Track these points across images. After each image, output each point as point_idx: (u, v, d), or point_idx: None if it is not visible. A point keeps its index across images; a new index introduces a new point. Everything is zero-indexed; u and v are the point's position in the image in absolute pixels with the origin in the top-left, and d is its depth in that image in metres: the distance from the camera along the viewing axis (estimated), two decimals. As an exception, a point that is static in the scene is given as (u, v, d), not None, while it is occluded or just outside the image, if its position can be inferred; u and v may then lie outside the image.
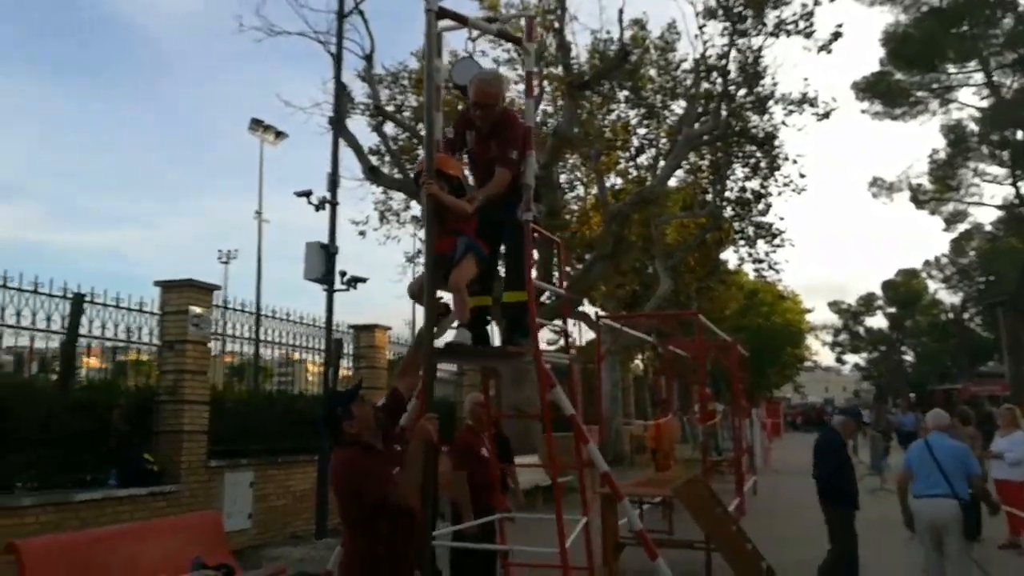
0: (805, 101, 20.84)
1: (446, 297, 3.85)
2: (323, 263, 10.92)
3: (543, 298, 18.64)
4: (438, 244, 3.78)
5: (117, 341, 8.59)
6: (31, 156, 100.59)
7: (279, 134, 28.01)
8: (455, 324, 3.87)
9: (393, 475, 3.33)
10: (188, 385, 9.01)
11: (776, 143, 23.37)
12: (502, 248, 4.21)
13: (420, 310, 3.92)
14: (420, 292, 3.74)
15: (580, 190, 25.93)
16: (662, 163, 21.24)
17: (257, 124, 27.51)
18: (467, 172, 4.41)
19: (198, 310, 9.22)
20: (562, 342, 31.52)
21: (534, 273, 4.45)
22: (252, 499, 9.81)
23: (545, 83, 18.71)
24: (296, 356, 12.19)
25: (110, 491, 7.82)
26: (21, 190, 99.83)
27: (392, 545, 3.31)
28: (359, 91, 18.02)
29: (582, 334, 25.66)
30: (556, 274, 16.11)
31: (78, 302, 8.07)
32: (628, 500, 9.35)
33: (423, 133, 4.39)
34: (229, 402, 10.42)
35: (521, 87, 20.09)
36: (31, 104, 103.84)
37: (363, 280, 11.56)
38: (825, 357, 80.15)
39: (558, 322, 26.21)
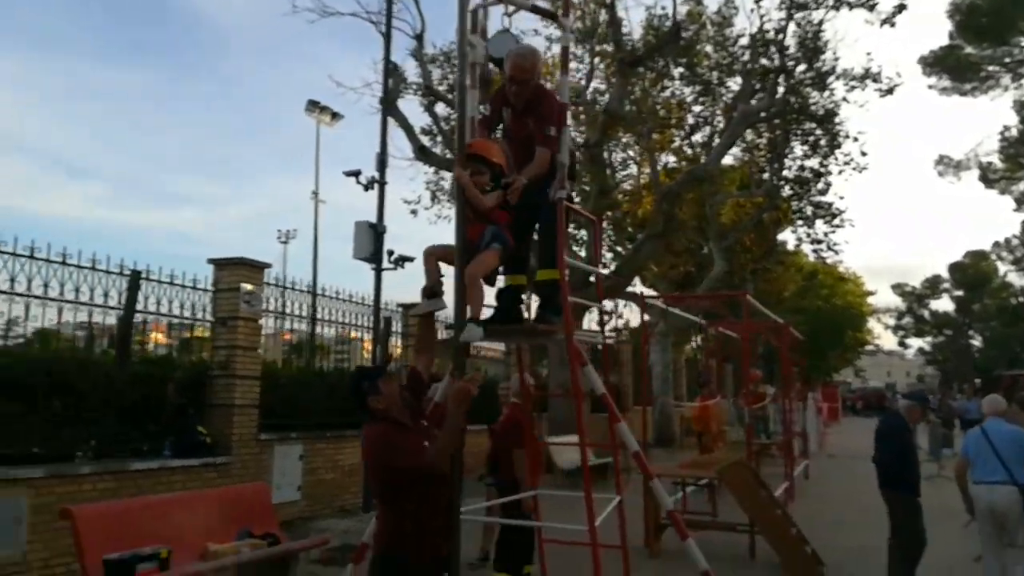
0: (867, 77, 20.13)
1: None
2: (371, 242, 11.07)
3: (591, 278, 18.61)
4: (470, 229, 3.76)
5: (172, 317, 8.84)
6: (99, 136, 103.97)
7: (335, 115, 28.32)
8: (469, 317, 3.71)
9: (424, 446, 3.39)
10: (240, 360, 9.25)
11: (837, 120, 22.71)
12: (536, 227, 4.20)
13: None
14: (436, 254, 3.79)
15: (633, 169, 25.66)
16: (717, 141, 20.84)
17: (313, 105, 27.88)
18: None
19: (249, 287, 9.44)
20: (608, 323, 31.47)
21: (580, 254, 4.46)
22: (301, 472, 10.06)
23: (596, 60, 18.49)
24: (353, 335, 12.40)
25: (165, 461, 8.10)
26: (89, 170, 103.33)
27: (419, 520, 3.35)
28: (412, 71, 18.08)
29: (634, 316, 25.54)
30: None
31: (135, 279, 8.34)
32: (671, 481, 9.36)
33: (485, 112, 4.36)
34: (280, 377, 10.69)
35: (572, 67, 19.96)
36: (99, 85, 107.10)
37: (410, 259, 11.67)
38: (888, 341, 78.24)
39: (605, 303, 26.19)
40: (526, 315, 4.20)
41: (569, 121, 4.33)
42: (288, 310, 10.60)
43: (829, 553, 8.15)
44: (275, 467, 9.62)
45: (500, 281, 4.16)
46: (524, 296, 4.23)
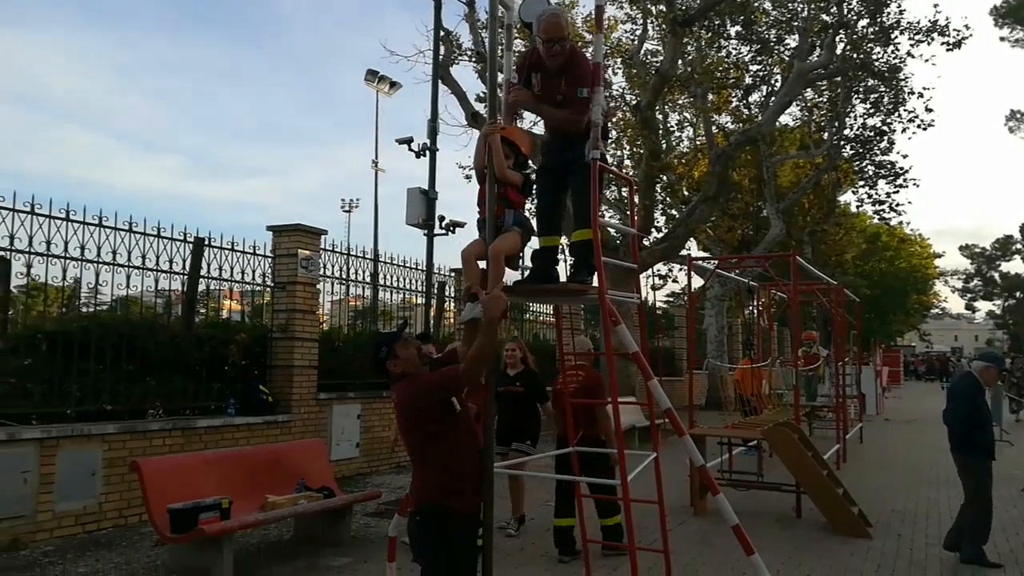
0: (934, 30, 19.32)
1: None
2: (423, 208, 11.25)
3: (646, 241, 18.50)
4: (498, 207, 3.82)
5: (234, 282, 9.21)
6: (173, 110, 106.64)
7: (393, 84, 28.73)
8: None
9: (455, 366, 3.53)
10: (299, 323, 9.62)
11: (901, 76, 21.93)
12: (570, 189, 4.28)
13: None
14: (475, 253, 3.84)
15: (689, 131, 25.28)
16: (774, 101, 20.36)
17: (372, 75, 28.33)
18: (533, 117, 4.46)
19: (306, 253, 9.76)
20: (661, 287, 31.22)
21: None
22: (359, 430, 10.45)
23: (649, 20, 18.19)
24: (415, 300, 12.70)
25: (229, 419, 8.53)
26: (164, 144, 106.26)
27: (452, 474, 3.48)
28: (466, 37, 18.07)
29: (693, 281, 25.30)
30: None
31: (198, 245, 8.71)
32: (717, 442, 9.42)
33: (514, 81, 4.43)
34: (337, 340, 11.06)
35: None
36: (173, 60, 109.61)
37: (461, 225, 11.84)
38: (954, 304, 75.81)
39: (659, 267, 25.99)
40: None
41: (604, 82, 4.39)
42: (350, 276, 10.92)
43: (878, 514, 8.16)
44: (334, 425, 10.02)
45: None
46: (558, 257, 4.33)
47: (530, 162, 4.17)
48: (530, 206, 4.66)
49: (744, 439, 10.02)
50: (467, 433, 3.58)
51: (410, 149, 11.73)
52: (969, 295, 69.48)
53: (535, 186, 4.25)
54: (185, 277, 8.63)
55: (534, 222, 4.23)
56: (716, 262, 12.40)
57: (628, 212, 21.36)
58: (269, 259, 9.68)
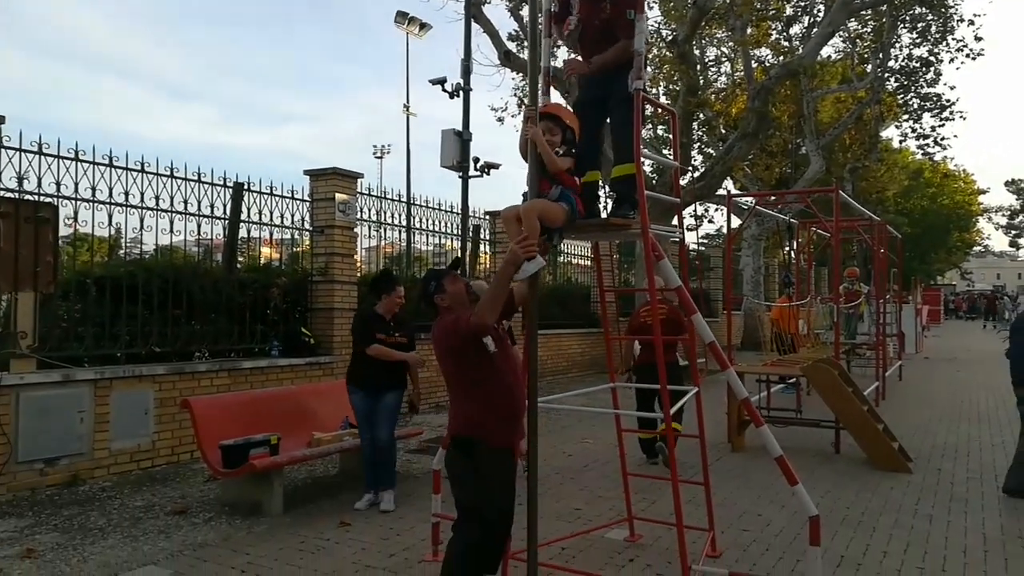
0: (986, -49, 18.47)
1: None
2: (457, 150, 11.18)
3: (682, 181, 18.22)
4: (542, 183, 3.72)
5: (273, 226, 9.29)
6: (205, 59, 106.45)
7: (423, 25, 28.35)
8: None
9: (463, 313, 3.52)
10: (337, 267, 9.72)
11: (949, 2, 21.07)
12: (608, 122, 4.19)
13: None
14: (515, 215, 3.66)
15: (727, 66, 24.64)
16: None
17: (403, 17, 27.96)
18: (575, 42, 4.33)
19: (344, 197, 9.80)
20: (698, 227, 30.85)
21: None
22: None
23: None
24: (448, 245, 12.74)
25: (273, 360, 8.72)
26: (198, 93, 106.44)
27: (488, 406, 3.54)
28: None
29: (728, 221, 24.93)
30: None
31: (238, 190, 8.79)
32: (755, 379, 9.42)
33: (555, 9, 4.29)
34: (376, 283, 11.15)
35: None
36: (202, 8, 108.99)
37: (495, 166, 11.78)
38: (998, 242, 73.95)
39: (695, 208, 25.62)
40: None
41: (647, 9, 4.26)
42: (384, 219, 10.96)
43: (917, 449, 8.16)
44: (374, 366, 10.16)
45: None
46: (599, 193, 4.28)
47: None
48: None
49: (783, 376, 10.01)
50: (501, 372, 3.59)
51: (443, 90, 11.61)
52: (1014, 232, 67.62)
53: None
54: (226, 222, 8.73)
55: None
56: (755, 199, 12.17)
57: (664, 151, 21.04)
58: (307, 204, 9.74)
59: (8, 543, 5.08)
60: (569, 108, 4.04)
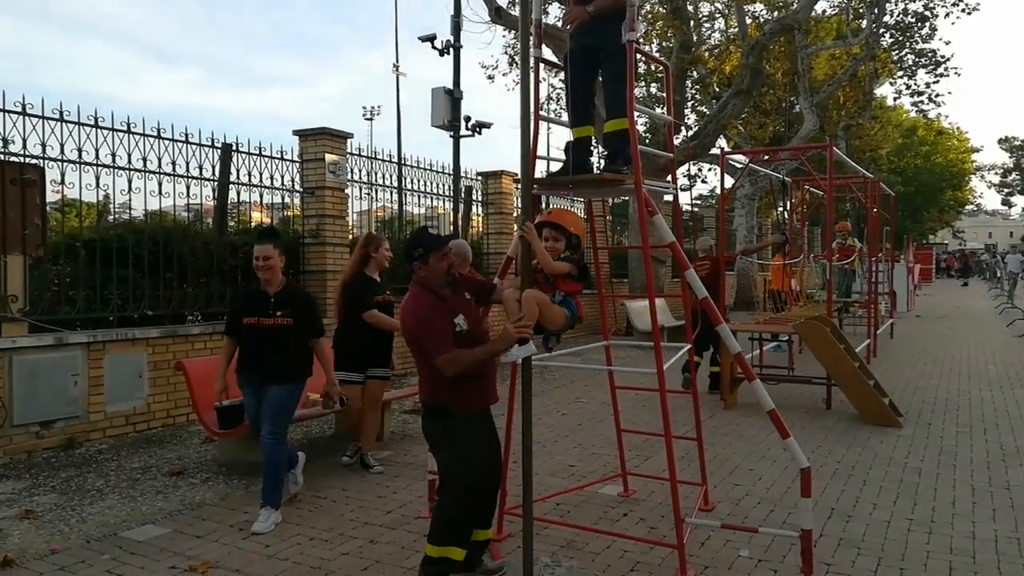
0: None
1: None
2: (448, 109, 11.10)
3: (676, 141, 18.11)
4: (540, 286, 3.59)
5: (263, 187, 9.20)
6: (188, 20, 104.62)
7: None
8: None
9: (450, 336, 3.44)
10: (329, 228, 9.67)
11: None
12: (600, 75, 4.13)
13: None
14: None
15: (721, 22, 24.34)
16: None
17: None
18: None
19: (334, 157, 9.71)
20: (691, 187, 30.75)
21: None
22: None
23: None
24: (440, 210, 12.66)
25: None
26: (182, 55, 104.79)
27: (456, 379, 3.46)
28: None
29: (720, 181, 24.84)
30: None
31: (226, 151, 8.69)
32: (748, 337, 9.47)
33: None
34: (368, 245, 11.10)
35: None
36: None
37: (487, 125, 11.70)
38: (990, 200, 74.10)
39: (689, 167, 25.50)
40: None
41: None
42: (375, 181, 10.86)
43: (908, 405, 8.25)
44: (367, 328, 10.17)
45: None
46: (591, 148, 4.23)
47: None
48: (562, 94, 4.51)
49: (775, 334, 10.06)
50: (468, 341, 3.52)
51: (433, 47, 11.48)
52: (1006, 190, 67.67)
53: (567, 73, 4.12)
54: (215, 184, 8.65)
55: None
56: (749, 157, 12.11)
57: (658, 110, 20.86)
58: (296, 164, 9.65)
59: (7, 504, 5.11)
60: (574, 212, 3.80)
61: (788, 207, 12.36)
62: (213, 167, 8.54)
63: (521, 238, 3.61)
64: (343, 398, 5.46)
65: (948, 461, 6.14)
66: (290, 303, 4.87)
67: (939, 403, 8.54)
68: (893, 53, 24.38)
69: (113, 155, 7.41)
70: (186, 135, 8.10)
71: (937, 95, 24.57)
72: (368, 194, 10.83)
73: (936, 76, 24.33)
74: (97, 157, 7.26)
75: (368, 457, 5.96)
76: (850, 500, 5.15)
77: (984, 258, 53.58)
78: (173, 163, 7.98)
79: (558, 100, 20.40)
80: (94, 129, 7.22)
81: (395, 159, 11.49)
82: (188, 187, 8.19)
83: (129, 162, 7.57)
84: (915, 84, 24.93)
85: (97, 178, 7.29)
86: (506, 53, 21.11)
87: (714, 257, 9.36)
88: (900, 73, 25.06)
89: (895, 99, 28.91)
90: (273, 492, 4.76)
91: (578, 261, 3.65)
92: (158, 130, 7.81)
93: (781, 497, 5.21)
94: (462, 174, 12.29)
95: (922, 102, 25.18)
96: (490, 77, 21.56)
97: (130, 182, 7.60)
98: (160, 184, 7.88)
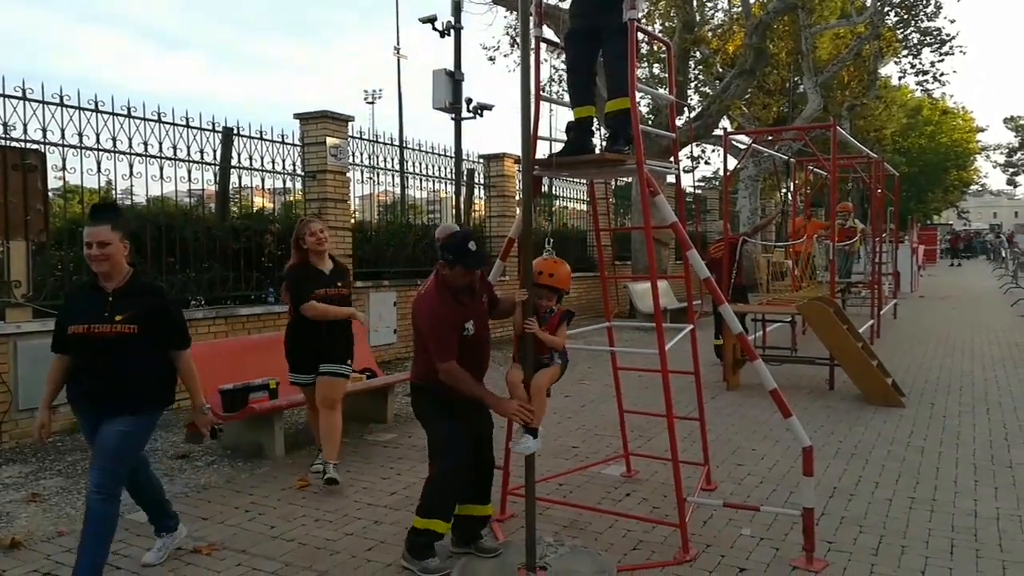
0: None
1: None
2: (449, 90, 11.05)
3: (679, 121, 18.02)
4: (540, 347, 3.68)
5: (264, 171, 9.18)
6: (189, 5, 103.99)
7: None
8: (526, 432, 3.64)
9: (456, 342, 3.54)
10: (331, 212, 9.65)
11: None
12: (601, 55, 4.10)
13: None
14: None
15: (724, 2, 24.14)
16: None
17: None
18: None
19: (335, 141, 9.68)
20: (695, 169, 30.63)
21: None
22: (396, 316, 10.65)
23: None
24: (443, 194, 12.63)
25: (269, 307, 8.71)
26: (185, 41, 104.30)
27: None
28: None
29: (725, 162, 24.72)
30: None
31: (227, 135, 8.67)
32: (751, 319, 9.48)
33: None
34: (370, 230, 11.12)
35: None
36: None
37: (489, 107, 11.64)
38: (995, 180, 73.75)
39: (692, 149, 25.39)
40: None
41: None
42: (376, 164, 10.84)
43: (911, 385, 8.25)
44: (372, 312, 10.21)
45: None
46: (593, 128, 4.21)
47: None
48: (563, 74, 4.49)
49: (780, 314, 10.05)
50: (468, 349, 3.65)
51: (434, 28, 11.41)
52: (1012, 170, 67.21)
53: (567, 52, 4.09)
54: (216, 168, 8.64)
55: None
56: (752, 137, 12.04)
57: (660, 91, 20.74)
58: (298, 148, 9.62)
59: (13, 488, 5.15)
60: (563, 265, 3.80)
61: (791, 188, 12.30)
62: (214, 151, 8.54)
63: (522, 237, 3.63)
64: (215, 428, 4.12)
65: (950, 440, 6.15)
66: (136, 303, 3.46)
67: (942, 383, 8.54)
68: (898, 32, 24.16)
69: (114, 139, 7.40)
70: (187, 119, 8.09)
71: (942, 74, 24.27)
72: (370, 178, 10.82)
73: (941, 55, 24.13)
74: (98, 141, 7.26)
75: (330, 468, 4.98)
76: (852, 479, 5.16)
77: (988, 238, 53.38)
78: (174, 147, 7.98)
79: (560, 82, 20.30)
80: (94, 114, 7.21)
81: (396, 142, 11.46)
82: (189, 171, 8.18)
83: (130, 146, 7.56)
84: (920, 63, 24.73)
85: (98, 163, 7.29)
86: (507, 34, 20.99)
87: (731, 239, 9.87)
88: (905, 52, 24.85)
89: (900, 79, 28.74)
90: (162, 515, 3.91)
91: (566, 312, 3.78)
92: (158, 114, 7.79)
93: (783, 477, 5.23)
94: (464, 157, 12.26)
95: (927, 81, 24.99)
96: (491, 59, 21.46)
97: (131, 167, 7.60)
98: (161, 169, 7.88)
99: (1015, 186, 72.09)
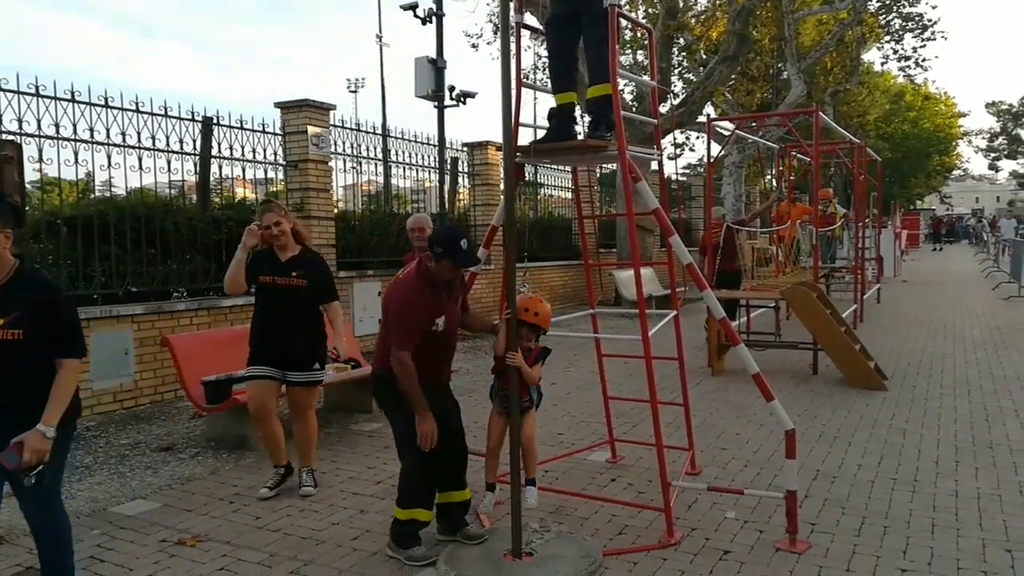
0: None
1: None
2: (432, 78, 10.97)
3: (662, 108, 18.01)
4: (523, 391, 3.81)
5: (245, 161, 9.10)
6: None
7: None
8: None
9: (419, 335, 3.52)
10: (313, 202, 9.60)
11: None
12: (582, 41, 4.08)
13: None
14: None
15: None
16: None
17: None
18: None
19: (317, 130, 9.60)
20: (679, 156, 30.67)
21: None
22: (380, 306, 10.60)
23: None
24: (428, 183, 12.56)
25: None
26: (162, 29, 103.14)
27: (420, 360, 3.55)
28: None
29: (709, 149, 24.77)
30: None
31: (207, 124, 8.58)
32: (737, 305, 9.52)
33: None
34: (353, 219, 11.06)
35: None
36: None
37: (472, 95, 11.57)
38: (977, 165, 74.25)
39: (676, 136, 25.40)
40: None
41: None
42: (359, 153, 10.76)
43: (893, 368, 8.32)
44: (355, 302, 10.17)
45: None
46: (574, 115, 4.19)
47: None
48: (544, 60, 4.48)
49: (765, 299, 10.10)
50: (435, 343, 3.67)
51: (415, 15, 11.31)
52: (993, 155, 67.68)
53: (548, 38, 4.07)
54: (196, 158, 8.55)
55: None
56: (735, 123, 12.05)
57: (643, 74, 20.72)
58: (279, 137, 9.54)
59: (-7, 483, 5.09)
60: (545, 304, 3.93)
61: (782, 174, 12.34)
62: (194, 141, 8.44)
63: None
64: (40, 471, 2.96)
65: (932, 422, 6.21)
66: (19, 302, 2.86)
67: (924, 366, 8.61)
68: (880, 17, 24.24)
69: (91, 130, 7.30)
70: (165, 108, 8.00)
71: (924, 60, 24.38)
72: (353, 167, 10.74)
73: (923, 40, 24.25)
74: (75, 132, 7.16)
75: (304, 474, 4.80)
76: (835, 462, 5.20)
77: (971, 222, 53.95)
78: (153, 138, 7.88)
79: (543, 70, 20.23)
80: (71, 104, 7.11)
81: (379, 131, 11.38)
82: (169, 162, 8.10)
83: (107, 137, 7.47)
84: (902, 49, 24.84)
85: (76, 153, 7.19)
86: (490, 21, 20.92)
87: (725, 225, 10.04)
88: (887, 38, 24.95)
89: (882, 64, 28.85)
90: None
91: (543, 349, 3.96)
92: (136, 104, 7.70)
93: (767, 460, 5.26)
94: (447, 145, 12.20)
95: (909, 67, 25.12)
96: (474, 46, 21.33)
97: (109, 157, 7.51)
98: (140, 159, 7.78)
99: (997, 171, 72.70)
